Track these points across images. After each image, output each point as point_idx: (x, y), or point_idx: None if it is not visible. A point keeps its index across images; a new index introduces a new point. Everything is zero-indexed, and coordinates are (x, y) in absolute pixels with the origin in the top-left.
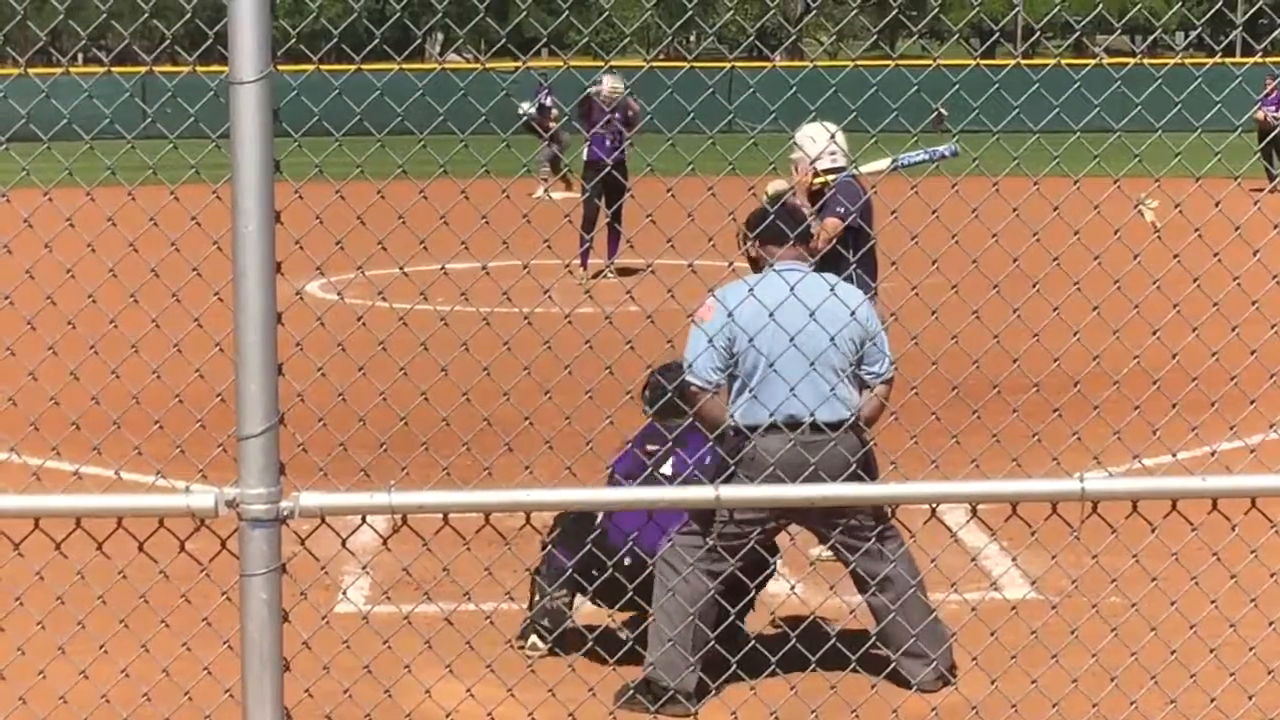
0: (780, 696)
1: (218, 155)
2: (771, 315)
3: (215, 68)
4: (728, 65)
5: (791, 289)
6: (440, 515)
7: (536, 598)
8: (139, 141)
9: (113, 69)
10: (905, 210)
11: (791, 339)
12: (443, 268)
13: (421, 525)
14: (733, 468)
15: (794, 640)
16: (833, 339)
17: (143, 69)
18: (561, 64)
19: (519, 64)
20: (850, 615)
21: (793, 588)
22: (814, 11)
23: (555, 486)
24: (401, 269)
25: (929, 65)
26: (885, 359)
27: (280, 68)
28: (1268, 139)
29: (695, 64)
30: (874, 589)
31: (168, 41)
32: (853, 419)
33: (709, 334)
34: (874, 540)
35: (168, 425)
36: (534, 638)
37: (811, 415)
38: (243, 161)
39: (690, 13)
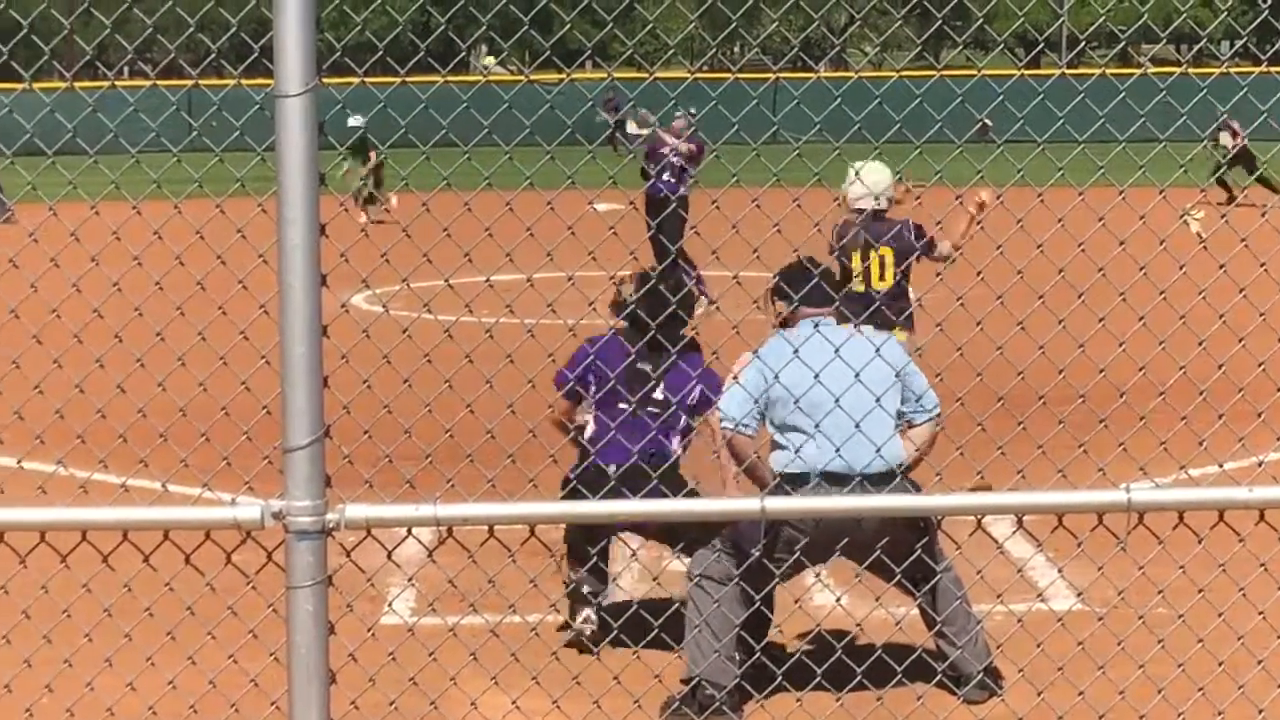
0: (826, 708)
1: (263, 168)
2: (817, 377)
3: (260, 81)
4: (772, 76)
5: (836, 349)
6: (485, 527)
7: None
8: (185, 155)
9: (159, 83)
10: (950, 220)
11: (837, 400)
12: (488, 280)
13: (467, 537)
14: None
15: (840, 651)
16: (878, 398)
17: (188, 83)
18: (605, 75)
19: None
20: (896, 627)
21: (838, 599)
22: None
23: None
24: (446, 281)
25: (974, 75)
26: (926, 398)
27: (325, 81)
28: None
29: (739, 75)
30: (922, 601)
31: (213, 55)
32: (901, 469)
33: (752, 393)
34: (924, 564)
35: (214, 438)
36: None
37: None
38: (288, 174)
39: (734, 24)
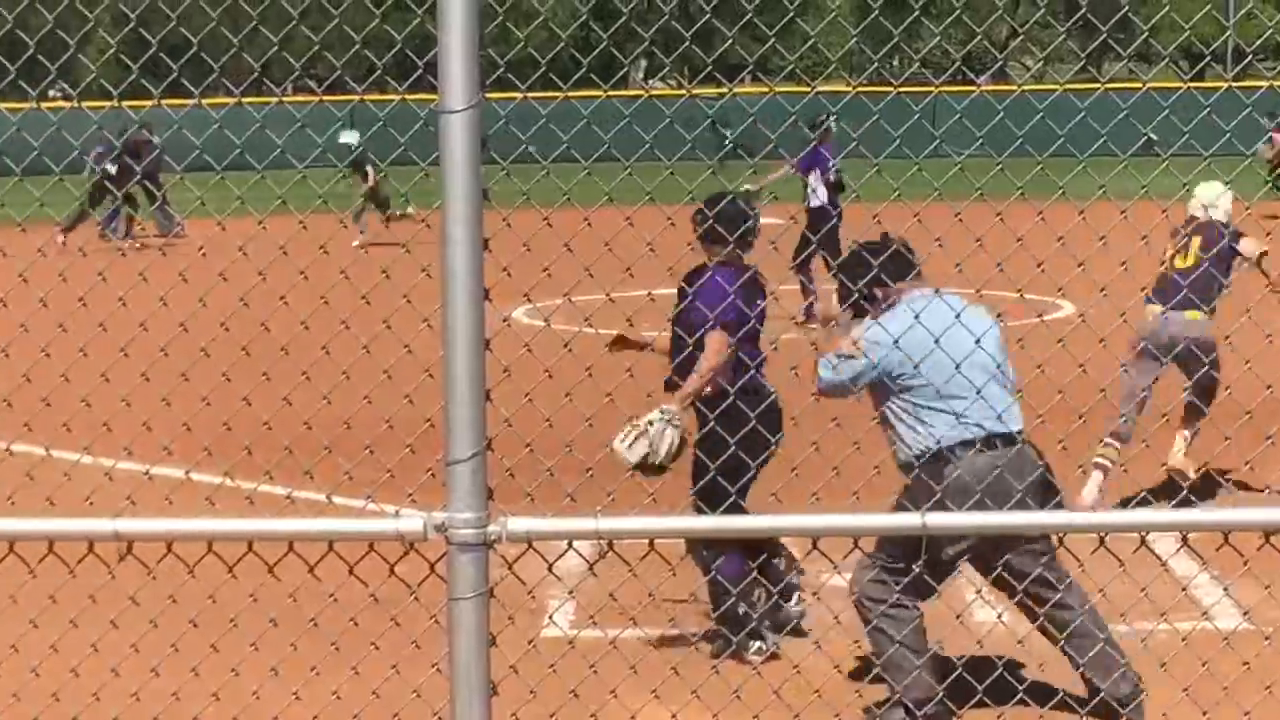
0: None
1: (427, 183)
2: (937, 341)
3: (423, 96)
4: (933, 90)
5: (999, 315)
6: (646, 540)
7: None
8: (349, 170)
9: (324, 98)
10: (1115, 236)
11: (999, 365)
12: (649, 294)
13: (627, 550)
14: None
15: (1000, 669)
16: (999, 364)
17: (353, 98)
18: (766, 90)
19: (723, 90)
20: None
21: (999, 616)
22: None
23: (761, 513)
24: (608, 295)
25: (1138, 89)
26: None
27: (488, 96)
28: None
29: (900, 89)
30: (1057, 618)
31: (378, 71)
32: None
33: (867, 368)
34: (1051, 575)
35: (378, 450)
36: (756, 643)
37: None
38: (452, 189)
39: (895, 38)
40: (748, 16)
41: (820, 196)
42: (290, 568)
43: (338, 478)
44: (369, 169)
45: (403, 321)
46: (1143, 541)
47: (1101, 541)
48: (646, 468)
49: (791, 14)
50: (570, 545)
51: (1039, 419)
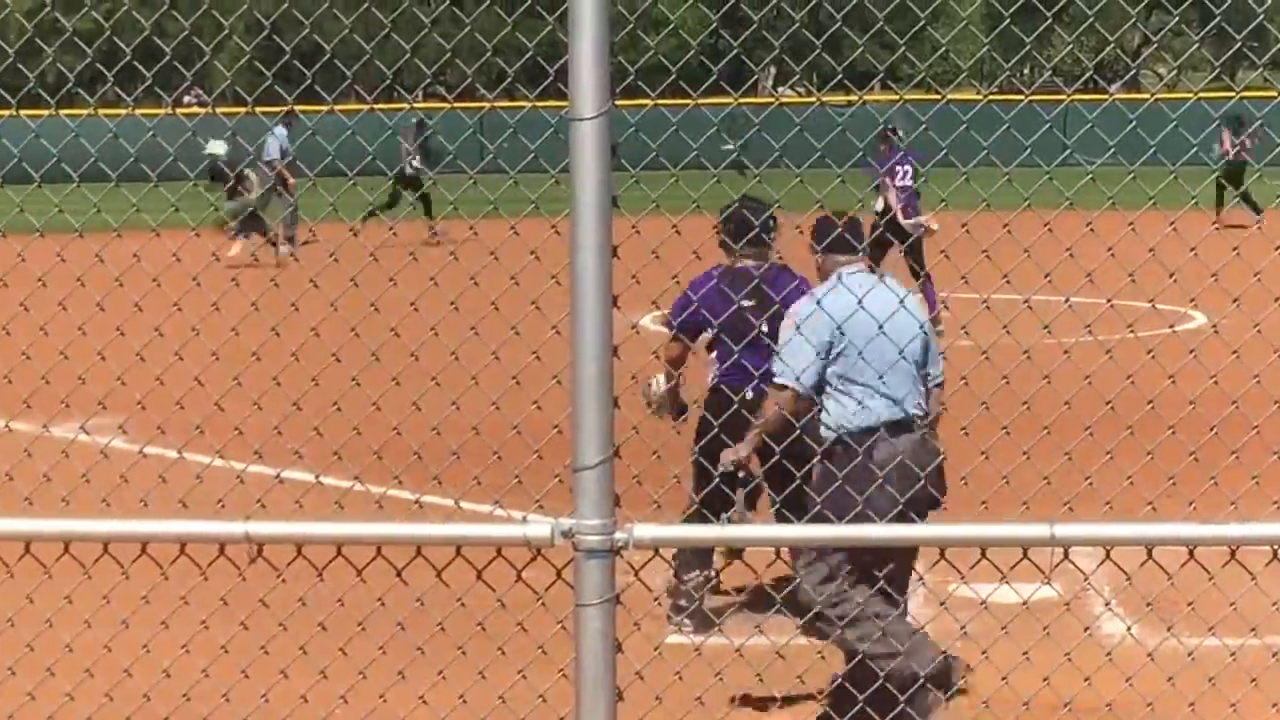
0: None
1: (556, 190)
2: (881, 329)
3: (552, 103)
4: (1065, 99)
5: (901, 301)
6: (772, 548)
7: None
8: (480, 176)
9: (455, 105)
10: (1248, 246)
11: (901, 351)
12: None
13: (754, 557)
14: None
15: (1129, 683)
16: (922, 343)
17: (483, 105)
18: (896, 98)
19: (853, 98)
20: (1189, 659)
21: (1129, 629)
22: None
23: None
24: (737, 302)
25: (1274, 97)
26: (937, 364)
27: (618, 103)
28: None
29: (1032, 97)
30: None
31: (508, 79)
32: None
33: (815, 345)
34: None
35: (505, 456)
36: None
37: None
38: (582, 196)
39: (1027, 47)
40: (878, 25)
41: (882, 204)
42: (418, 572)
43: (466, 483)
44: (252, 176)
45: (531, 328)
46: (1275, 554)
47: (1191, 555)
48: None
49: (923, 22)
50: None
51: (1170, 430)
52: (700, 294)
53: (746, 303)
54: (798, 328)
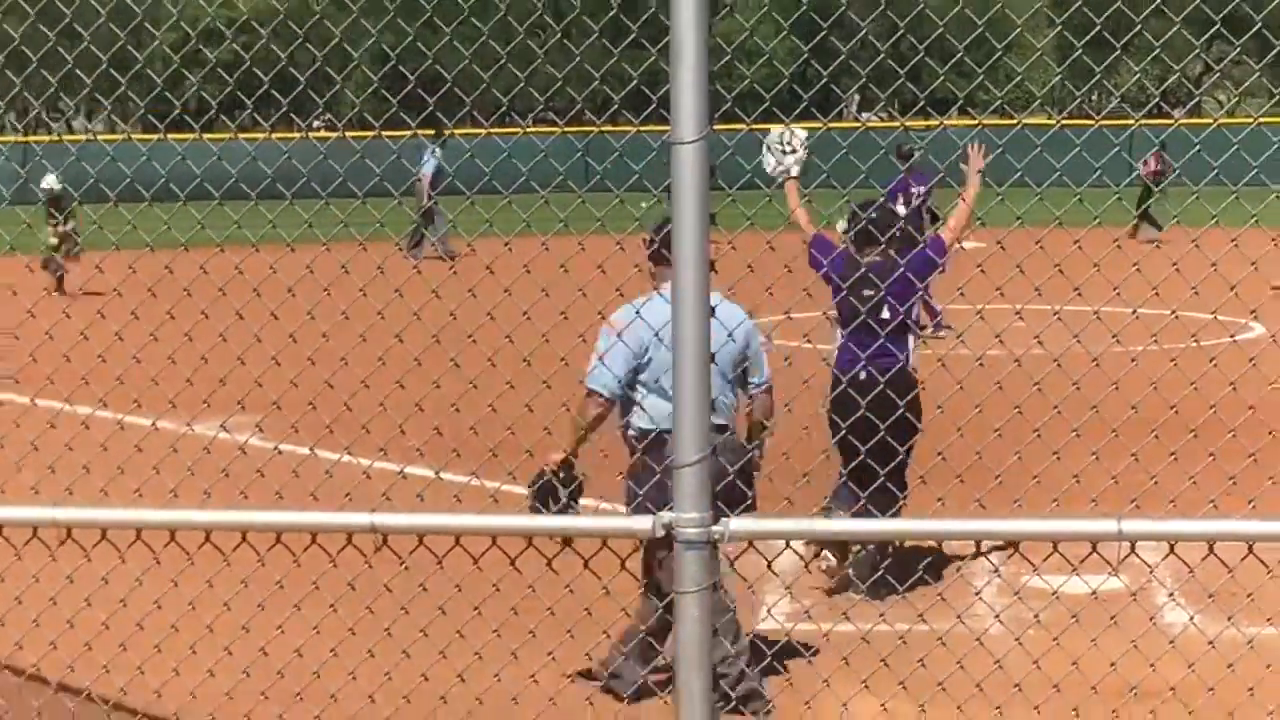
0: (1178, 719)
1: (659, 209)
2: (659, 338)
3: (654, 128)
4: (1132, 124)
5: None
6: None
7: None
8: (588, 195)
9: (565, 129)
10: None
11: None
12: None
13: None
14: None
15: (1191, 669)
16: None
17: (591, 129)
18: (975, 122)
19: (932, 123)
20: (1248, 647)
21: (1191, 618)
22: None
23: (965, 518)
24: (825, 315)
25: None
26: (760, 371)
27: (716, 128)
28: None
29: (1101, 122)
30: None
31: (614, 105)
32: (727, 423)
33: (611, 355)
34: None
35: (611, 455)
36: (825, 552)
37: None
38: (682, 215)
39: (1097, 75)
40: (957, 55)
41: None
42: (530, 561)
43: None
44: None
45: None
46: (1250, 550)
47: (1250, 550)
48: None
49: (999, 53)
50: (787, 544)
51: (1231, 433)
52: (830, 256)
53: (867, 291)
54: (618, 335)
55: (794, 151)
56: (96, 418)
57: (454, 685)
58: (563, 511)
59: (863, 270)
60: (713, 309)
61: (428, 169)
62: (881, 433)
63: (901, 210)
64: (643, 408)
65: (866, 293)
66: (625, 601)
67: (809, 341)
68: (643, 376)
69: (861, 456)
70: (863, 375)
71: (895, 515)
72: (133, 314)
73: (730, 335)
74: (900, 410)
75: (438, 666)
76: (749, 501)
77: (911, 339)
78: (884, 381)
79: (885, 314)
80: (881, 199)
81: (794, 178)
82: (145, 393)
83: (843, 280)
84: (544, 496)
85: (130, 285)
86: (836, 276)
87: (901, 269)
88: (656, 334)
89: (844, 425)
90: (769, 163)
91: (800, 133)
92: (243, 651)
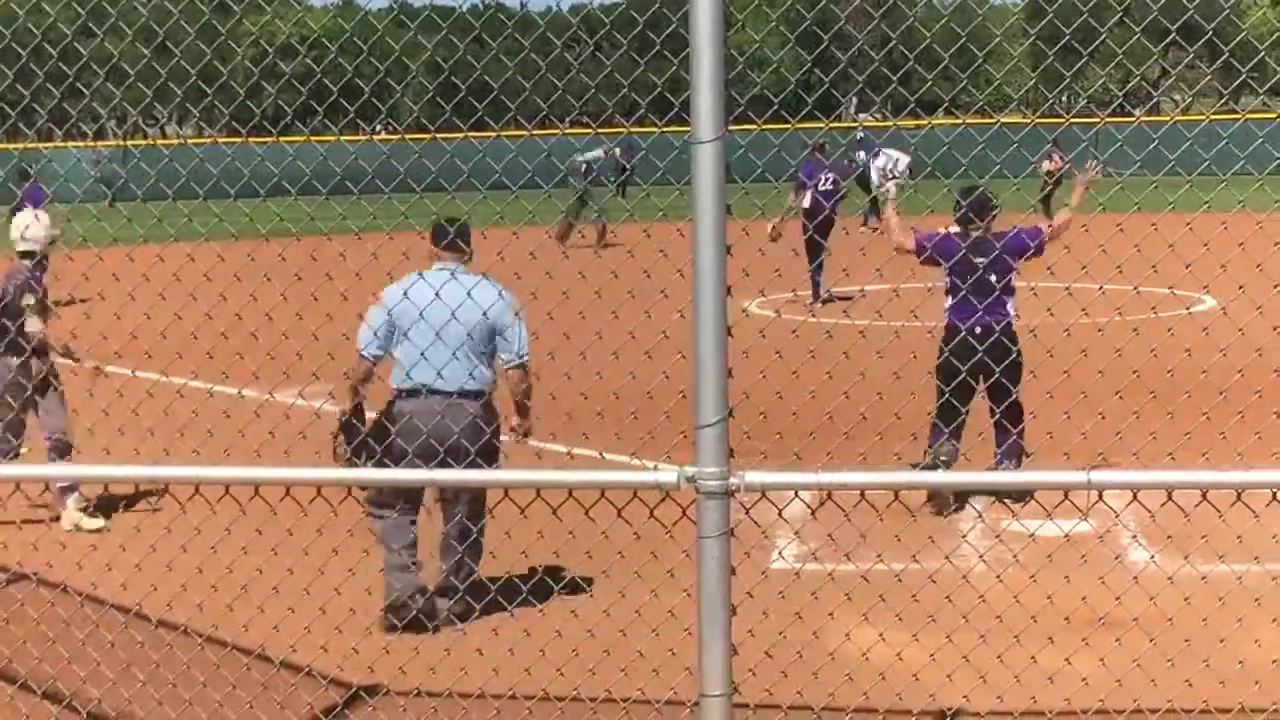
0: (1141, 647)
1: (681, 200)
2: (423, 314)
3: (677, 129)
4: (1098, 121)
5: (436, 291)
6: (859, 491)
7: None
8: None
9: (599, 131)
10: (1251, 242)
11: (439, 332)
12: (861, 290)
13: (843, 499)
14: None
15: (1153, 601)
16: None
17: (620, 130)
18: (959, 122)
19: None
20: (1202, 582)
21: (1152, 557)
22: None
23: (962, 470)
24: (829, 291)
25: (1273, 119)
26: (510, 347)
27: (731, 129)
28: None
29: (1072, 120)
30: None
31: (641, 110)
32: (485, 391)
33: (373, 323)
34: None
35: (640, 416)
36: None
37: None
38: (701, 206)
39: (1067, 79)
40: (943, 63)
41: (807, 201)
42: (570, 511)
43: (609, 438)
44: None
45: (660, 312)
46: (1275, 496)
47: (1204, 496)
48: None
49: (980, 60)
50: (796, 494)
51: (1186, 394)
52: (937, 242)
53: (979, 259)
54: (384, 307)
55: (895, 177)
56: (189, 387)
57: (504, 621)
58: (360, 447)
59: (972, 241)
60: (468, 292)
61: (588, 156)
62: (997, 375)
63: (808, 197)
64: (400, 366)
65: (979, 260)
66: (654, 546)
67: (813, 316)
68: (396, 339)
69: (978, 398)
70: (978, 329)
71: (1016, 446)
72: (221, 296)
73: (484, 313)
74: (1015, 355)
75: (491, 604)
76: (496, 461)
77: (1012, 303)
78: (999, 331)
79: (993, 278)
80: (979, 187)
81: (892, 198)
82: (232, 366)
83: (956, 253)
84: (346, 434)
85: (217, 272)
86: (950, 252)
87: (1004, 243)
88: (416, 306)
89: (963, 370)
90: (874, 179)
91: (904, 159)
92: (320, 590)
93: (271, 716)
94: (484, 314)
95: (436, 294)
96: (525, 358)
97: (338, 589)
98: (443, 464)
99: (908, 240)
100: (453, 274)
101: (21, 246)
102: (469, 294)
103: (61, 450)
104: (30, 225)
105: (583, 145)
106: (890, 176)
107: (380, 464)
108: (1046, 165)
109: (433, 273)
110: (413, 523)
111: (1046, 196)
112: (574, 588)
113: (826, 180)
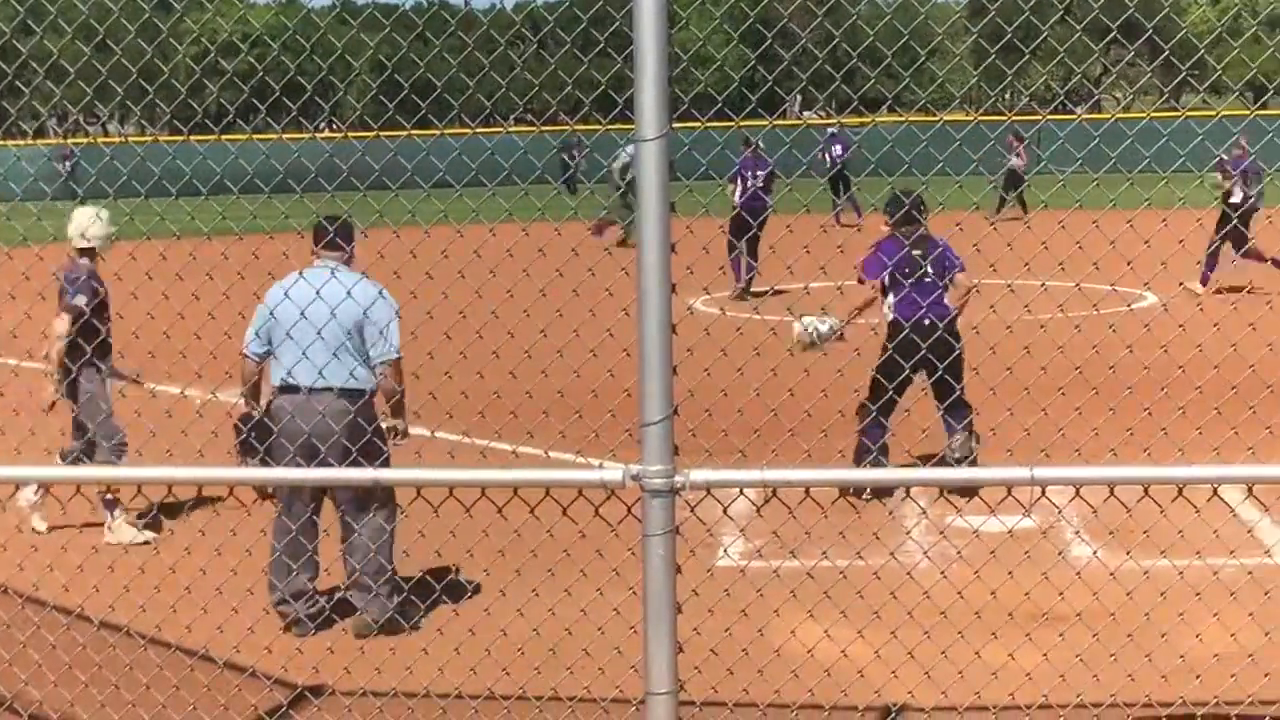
0: (1084, 642)
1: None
2: (303, 314)
3: (620, 127)
4: (1040, 119)
5: (348, 292)
6: (803, 488)
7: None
8: (564, 187)
9: (543, 129)
10: (1192, 239)
11: (319, 331)
12: (805, 287)
13: (788, 496)
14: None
15: (1095, 596)
16: (348, 329)
17: (565, 128)
18: (902, 119)
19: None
20: (1144, 577)
21: (1094, 553)
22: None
23: (900, 467)
24: (772, 288)
25: (1212, 116)
26: (383, 345)
27: (675, 126)
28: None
29: (1014, 118)
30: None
31: (586, 108)
32: (365, 390)
33: (256, 323)
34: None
35: (585, 415)
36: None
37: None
38: (646, 203)
39: (1009, 77)
40: (886, 61)
41: (737, 198)
42: (515, 510)
43: (553, 437)
44: None
45: (605, 310)
46: (1215, 492)
47: (1146, 492)
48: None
49: (923, 58)
50: (741, 492)
51: (1128, 390)
52: (874, 258)
53: (918, 252)
54: (267, 306)
55: (823, 340)
56: (131, 387)
57: (450, 619)
58: (245, 446)
59: (914, 239)
60: (348, 291)
61: (619, 163)
62: (944, 367)
63: (736, 194)
64: (280, 364)
65: (917, 253)
66: (599, 544)
67: (757, 314)
68: (275, 339)
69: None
70: (926, 321)
71: (969, 424)
72: (164, 295)
73: (365, 311)
74: (960, 347)
75: (435, 603)
76: (384, 456)
77: (949, 300)
78: (945, 324)
79: (934, 273)
80: (910, 191)
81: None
82: (174, 365)
83: (896, 253)
84: (236, 434)
85: (159, 271)
86: (891, 253)
87: (941, 245)
88: (296, 305)
89: (908, 363)
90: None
91: (830, 322)
92: (264, 590)
93: (215, 718)
94: (364, 313)
95: (318, 293)
96: (398, 355)
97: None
98: (323, 463)
99: (865, 293)
100: (333, 273)
101: (80, 244)
102: (349, 293)
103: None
104: (93, 223)
105: (623, 141)
106: (817, 340)
107: (264, 462)
108: (1014, 160)
109: (312, 271)
110: (313, 523)
111: (1017, 192)
112: (519, 586)
113: (758, 178)
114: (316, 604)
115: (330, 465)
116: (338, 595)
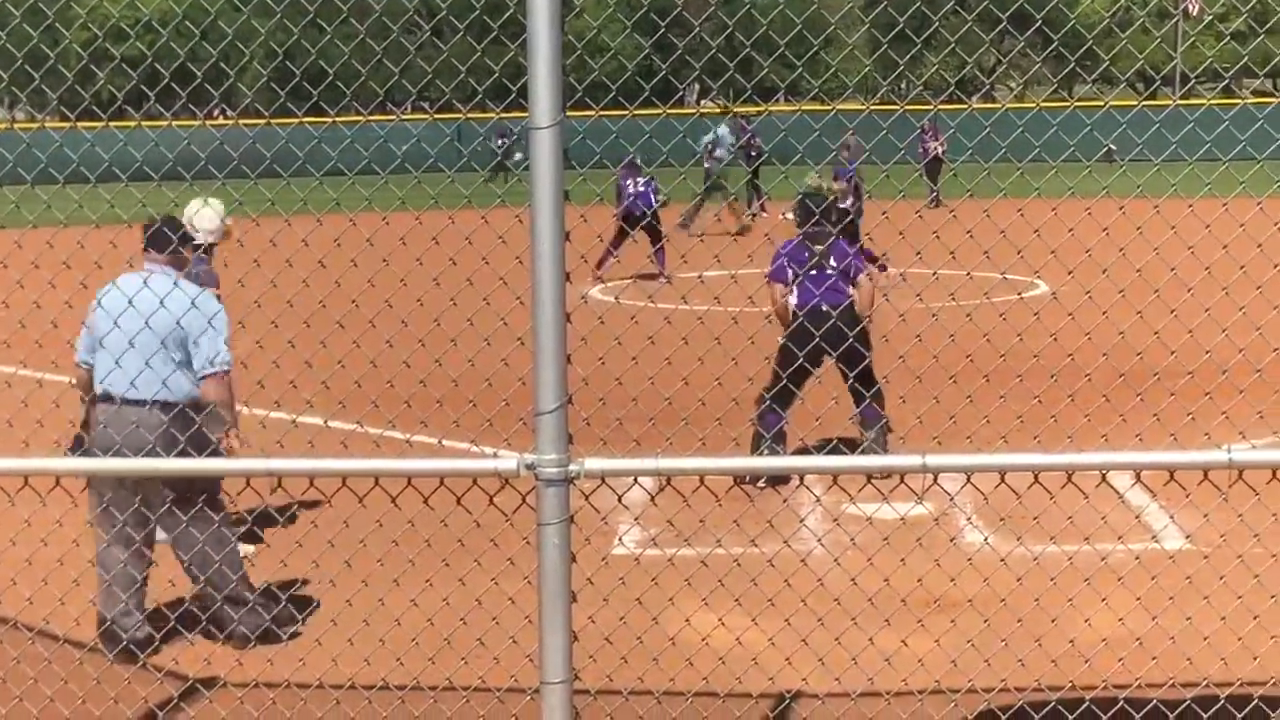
0: (975, 628)
1: (519, 186)
2: (117, 320)
3: (514, 114)
4: (932, 109)
5: (131, 298)
6: (697, 477)
7: (760, 448)
8: (457, 175)
9: (436, 117)
10: (1081, 228)
11: (131, 340)
12: (699, 276)
13: (683, 485)
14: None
15: (986, 582)
16: (164, 341)
17: (459, 116)
18: (796, 109)
19: (760, 109)
20: (1034, 563)
21: (986, 539)
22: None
23: (796, 455)
24: (666, 277)
25: (1101, 106)
26: (201, 357)
27: (569, 115)
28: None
29: (906, 107)
30: (185, 557)
31: (479, 95)
32: (179, 402)
33: (85, 329)
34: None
35: (479, 404)
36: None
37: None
38: (540, 191)
39: (902, 67)
40: (780, 50)
41: (628, 195)
42: (409, 499)
43: (447, 426)
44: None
45: (499, 299)
46: (1103, 478)
47: (1036, 479)
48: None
49: (817, 47)
50: (636, 480)
51: (1018, 378)
52: (780, 264)
53: (817, 246)
54: (92, 316)
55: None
56: (18, 377)
57: (342, 610)
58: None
59: (810, 233)
60: (162, 300)
61: (708, 142)
62: (835, 354)
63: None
64: (96, 373)
65: (817, 247)
66: (493, 533)
67: (652, 302)
68: (94, 345)
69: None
70: (823, 307)
71: (885, 425)
72: (50, 284)
73: (178, 321)
74: (859, 329)
75: (328, 594)
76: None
77: (850, 288)
78: (843, 309)
79: (833, 261)
80: (816, 195)
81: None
82: (62, 355)
83: (794, 249)
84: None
85: (46, 259)
86: (789, 248)
87: (835, 237)
88: (109, 314)
89: (803, 350)
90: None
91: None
92: (154, 582)
93: (105, 711)
94: (177, 322)
95: (130, 301)
96: (218, 368)
97: (173, 581)
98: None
99: (778, 292)
100: (144, 281)
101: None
102: (161, 302)
103: None
104: (200, 212)
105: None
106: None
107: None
108: (933, 145)
109: (126, 278)
110: (132, 542)
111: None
112: (414, 576)
113: (638, 184)
114: (144, 630)
115: (148, 480)
116: (184, 607)
